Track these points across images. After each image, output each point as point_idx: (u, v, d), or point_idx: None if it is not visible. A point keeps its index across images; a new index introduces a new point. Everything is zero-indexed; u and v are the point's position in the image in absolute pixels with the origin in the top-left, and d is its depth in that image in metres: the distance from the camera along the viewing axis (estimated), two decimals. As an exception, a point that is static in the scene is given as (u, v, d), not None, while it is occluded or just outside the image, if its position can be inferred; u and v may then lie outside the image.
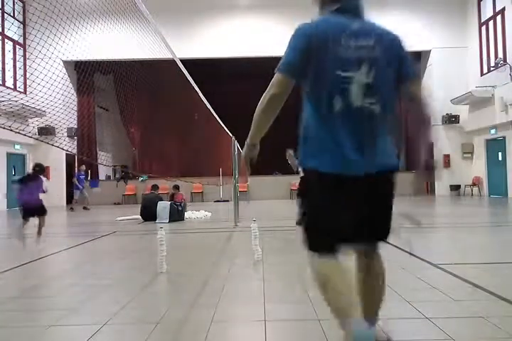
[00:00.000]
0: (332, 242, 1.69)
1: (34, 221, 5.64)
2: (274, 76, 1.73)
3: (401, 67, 1.74)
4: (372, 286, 1.89)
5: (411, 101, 1.77)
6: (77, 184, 13.54)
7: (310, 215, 1.74)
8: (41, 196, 5.72)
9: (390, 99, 1.72)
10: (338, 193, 1.64)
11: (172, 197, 9.01)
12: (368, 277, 1.88)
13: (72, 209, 13.22)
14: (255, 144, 1.94)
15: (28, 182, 5.52)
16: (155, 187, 9.71)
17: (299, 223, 1.81)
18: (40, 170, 5.76)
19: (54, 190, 16.56)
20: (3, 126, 3.17)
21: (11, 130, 3.24)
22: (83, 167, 14.26)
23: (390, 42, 1.78)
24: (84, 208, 13.32)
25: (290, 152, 6.55)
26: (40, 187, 5.57)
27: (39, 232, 5.57)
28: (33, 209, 5.54)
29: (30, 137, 5.05)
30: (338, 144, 1.63)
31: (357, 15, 1.76)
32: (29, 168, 16.42)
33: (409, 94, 1.76)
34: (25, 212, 5.54)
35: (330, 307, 1.67)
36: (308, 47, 1.68)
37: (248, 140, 1.91)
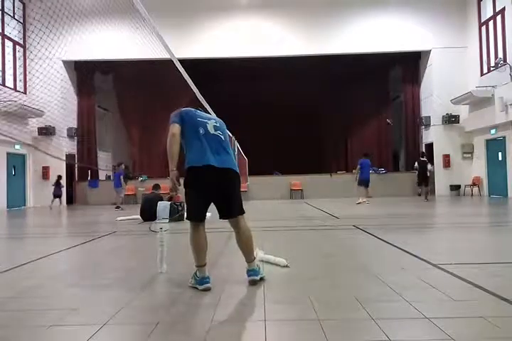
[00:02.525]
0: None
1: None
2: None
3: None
4: (241, 239, 3.29)
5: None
6: (122, 182, 13.31)
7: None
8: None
9: (225, 132, 3.31)
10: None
11: (170, 200, 8.99)
12: (237, 233, 3.31)
13: (119, 207, 12.95)
14: (173, 170, 3.12)
15: None
16: (156, 186, 9.68)
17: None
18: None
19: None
20: (3, 133, 3.16)
21: (6, 136, 3.23)
22: (122, 166, 13.89)
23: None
24: (117, 207, 13.06)
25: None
26: None
27: None
28: None
29: (30, 144, 5.04)
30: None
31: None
32: (29, 168, 16.47)
33: None
34: None
35: (193, 255, 3.11)
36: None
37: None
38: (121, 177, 13.44)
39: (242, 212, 3.29)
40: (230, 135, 8.53)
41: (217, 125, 3.26)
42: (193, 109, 3.27)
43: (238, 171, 3.34)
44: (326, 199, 15.27)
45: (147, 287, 3.14)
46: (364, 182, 12.80)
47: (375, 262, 3.80)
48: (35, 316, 2.53)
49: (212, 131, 3.17)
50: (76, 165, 17.75)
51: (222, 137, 3.21)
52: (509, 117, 13.37)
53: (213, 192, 3.15)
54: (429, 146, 17.28)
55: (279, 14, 16.97)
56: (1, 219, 11.28)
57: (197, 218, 3.17)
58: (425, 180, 13.07)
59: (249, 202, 15.48)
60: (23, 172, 16.35)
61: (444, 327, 2.13)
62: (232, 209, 3.24)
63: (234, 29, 16.89)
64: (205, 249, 3.11)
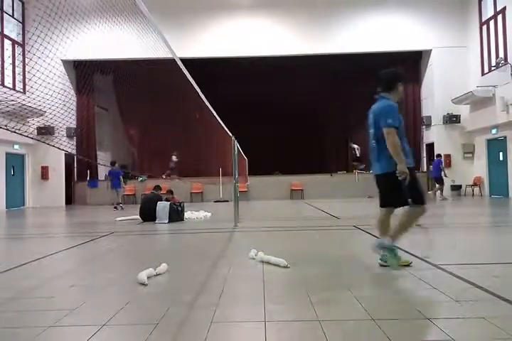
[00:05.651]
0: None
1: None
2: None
3: None
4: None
5: None
6: (121, 182, 13.32)
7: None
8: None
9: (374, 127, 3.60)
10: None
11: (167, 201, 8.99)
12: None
13: (121, 207, 12.97)
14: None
15: None
16: (157, 187, 9.65)
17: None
18: None
19: (53, 190, 16.61)
20: (3, 126, 3.15)
21: (7, 129, 3.23)
22: (117, 165, 13.92)
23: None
24: (115, 208, 13.08)
25: None
26: None
27: None
28: None
29: (29, 137, 5.03)
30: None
31: None
32: (28, 168, 16.46)
33: None
34: None
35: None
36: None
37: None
38: (120, 177, 13.45)
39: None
40: (231, 135, 8.53)
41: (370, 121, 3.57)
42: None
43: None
44: (326, 200, 15.27)
45: (147, 287, 3.14)
46: (435, 179, 14.20)
47: (375, 262, 3.79)
48: (35, 316, 2.53)
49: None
50: (76, 166, 17.74)
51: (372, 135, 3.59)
52: (510, 117, 13.35)
53: None
54: (430, 146, 17.27)
55: (279, 14, 16.96)
56: (1, 219, 11.28)
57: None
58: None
59: (250, 202, 15.49)
60: (22, 172, 16.34)
61: (444, 328, 2.12)
62: None
63: (234, 29, 16.88)
64: None
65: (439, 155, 14.67)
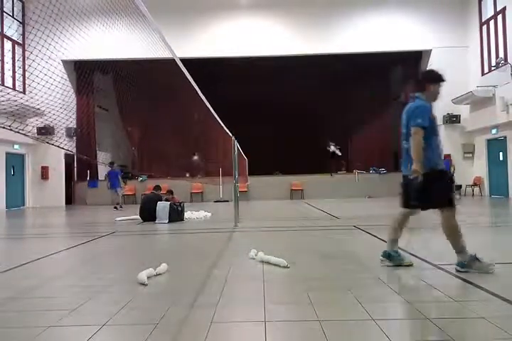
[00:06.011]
0: None
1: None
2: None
3: None
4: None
5: None
6: (121, 181, 13.33)
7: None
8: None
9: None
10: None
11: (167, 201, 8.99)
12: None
13: (120, 207, 12.98)
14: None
15: None
16: (157, 187, 9.67)
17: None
18: None
19: (53, 190, 16.61)
20: (3, 125, 3.15)
21: (11, 129, 3.23)
22: (115, 165, 13.95)
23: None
24: (115, 207, 13.06)
25: None
26: None
27: None
28: None
29: (31, 137, 5.03)
30: None
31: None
32: (28, 168, 16.46)
33: None
34: None
35: (458, 241, 3.38)
36: None
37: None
38: (119, 176, 13.46)
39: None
40: (231, 135, 8.53)
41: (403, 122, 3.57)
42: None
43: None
44: (326, 200, 15.27)
45: (147, 287, 3.14)
46: None
47: (375, 262, 3.79)
48: (35, 316, 2.53)
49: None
50: (75, 165, 17.73)
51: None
52: (510, 117, 13.35)
53: None
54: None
55: (279, 14, 16.96)
56: (1, 219, 11.28)
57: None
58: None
59: (250, 202, 15.48)
60: (22, 172, 16.34)
61: (444, 327, 2.12)
62: None
63: (234, 29, 16.88)
64: None
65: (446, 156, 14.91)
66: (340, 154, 18.72)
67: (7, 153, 15.13)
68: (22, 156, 16.27)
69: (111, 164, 14.02)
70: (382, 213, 9.64)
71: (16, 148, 15.62)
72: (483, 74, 15.63)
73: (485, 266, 3.23)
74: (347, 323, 2.28)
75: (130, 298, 2.83)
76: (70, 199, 17.26)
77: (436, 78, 3.54)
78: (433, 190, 3.29)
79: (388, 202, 13.18)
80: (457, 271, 3.31)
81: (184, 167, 17.15)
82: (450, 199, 3.37)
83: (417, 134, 3.32)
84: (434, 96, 3.56)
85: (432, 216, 3.68)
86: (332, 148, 18.89)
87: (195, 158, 17.38)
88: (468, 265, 3.26)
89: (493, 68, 14.64)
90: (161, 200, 8.74)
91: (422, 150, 3.29)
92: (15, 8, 15.72)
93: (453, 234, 3.37)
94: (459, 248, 3.31)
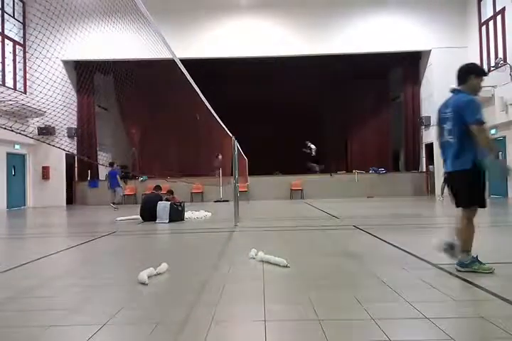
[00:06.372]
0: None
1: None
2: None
3: None
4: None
5: None
6: (119, 181, 13.33)
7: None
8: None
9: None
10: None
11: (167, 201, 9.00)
12: None
13: (115, 207, 12.93)
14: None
15: None
16: (158, 187, 9.69)
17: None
18: None
19: (54, 190, 16.62)
20: (3, 126, 3.16)
21: (12, 130, 3.24)
22: (115, 165, 13.94)
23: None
24: (116, 208, 12.99)
25: None
26: None
27: None
28: None
29: (31, 138, 5.04)
30: None
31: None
32: (29, 168, 16.47)
33: None
34: None
35: (467, 241, 3.31)
36: None
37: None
38: (118, 176, 13.46)
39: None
40: (231, 135, 8.53)
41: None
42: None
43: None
44: (326, 200, 15.27)
45: (147, 287, 3.14)
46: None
47: (375, 262, 3.79)
48: (35, 316, 2.53)
49: None
50: (76, 165, 17.73)
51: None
52: (509, 117, 13.35)
53: None
54: (430, 146, 17.27)
55: (279, 14, 16.96)
56: (1, 219, 11.28)
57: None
58: None
59: (250, 202, 15.48)
60: (23, 172, 16.34)
61: (444, 327, 2.12)
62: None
63: (234, 29, 16.88)
64: None
65: None
66: (314, 154, 18.85)
67: (8, 153, 15.14)
68: (23, 156, 16.28)
69: (110, 164, 14.03)
70: (382, 213, 9.65)
71: (17, 148, 15.62)
72: (482, 74, 15.62)
73: (485, 269, 3.25)
74: (347, 323, 2.28)
75: (130, 298, 2.83)
76: (70, 199, 17.27)
77: (479, 71, 3.50)
78: (479, 187, 3.27)
79: (388, 202, 13.19)
80: (457, 270, 3.32)
81: (182, 167, 17.15)
82: (478, 200, 3.32)
83: (482, 131, 3.20)
84: (476, 90, 3.48)
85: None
86: (312, 146, 18.99)
87: (220, 157, 17.39)
88: (468, 265, 3.27)
89: (492, 68, 14.63)
90: (161, 200, 8.75)
91: (477, 144, 3.21)
92: (16, 9, 15.72)
93: (463, 233, 3.37)
94: (465, 248, 3.32)
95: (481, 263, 3.27)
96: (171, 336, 2.17)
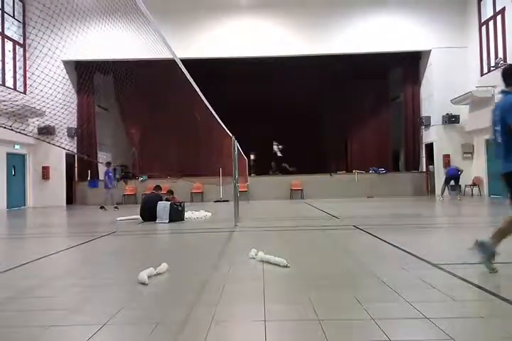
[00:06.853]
0: None
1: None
2: None
3: None
4: None
5: None
6: (107, 182, 13.36)
7: None
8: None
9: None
10: None
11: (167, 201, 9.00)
12: None
13: (104, 209, 12.95)
14: None
15: None
16: (158, 187, 9.69)
17: None
18: None
19: (54, 189, 16.61)
20: (3, 125, 3.16)
21: (12, 129, 3.24)
22: (112, 165, 14.01)
23: None
24: (116, 207, 13.05)
25: None
26: None
27: None
28: None
29: (32, 136, 5.04)
30: None
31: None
32: (29, 168, 16.47)
33: None
34: None
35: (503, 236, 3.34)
36: None
37: None
38: (107, 176, 13.46)
39: None
40: (231, 135, 8.53)
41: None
42: None
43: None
44: (326, 200, 15.27)
45: (147, 287, 3.14)
46: (453, 178, 14.49)
47: (375, 262, 3.79)
48: (35, 316, 2.53)
49: None
50: (76, 165, 17.73)
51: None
52: (509, 117, 13.34)
53: None
54: (430, 146, 17.28)
55: (279, 14, 16.96)
56: (1, 219, 11.28)
57: None
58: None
59: (250, 202, 15.49)
60: (23, 172, 16.34)
61: (444, 327, 2.12)
62: None
63: (234, 29, 16.87)
64: None
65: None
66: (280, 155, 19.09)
67: (8, 153, 15.13)
68: (23, 156, 16.27)
69: (107, 164, 14.04)
70: (382, 213, 9.65)
71: (17, 148, 15.61)
72: (482, 74, 15.63)
73: (489, 268, 3.27)
74: (347, 323, 2.28)
75: (130, 298, 2.83)
76: (70, 199, 17.27)
77: None
78: None
79: (388, 202, 13.19)
80: (475, 244, 3.35)
81: (182, 167, 17.14)
82: None
83: None
84: None
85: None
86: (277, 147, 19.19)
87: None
88: (484, 254, 3.32)
89: (492, 68, 14.64)
90: (161, 200, 8.75)
91: None
92: (15, 8, 15.72)
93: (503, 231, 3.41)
94: (496, 240, 3.34)
95: (491, 261, 3.29)
96: (171, 336, 2.17)
